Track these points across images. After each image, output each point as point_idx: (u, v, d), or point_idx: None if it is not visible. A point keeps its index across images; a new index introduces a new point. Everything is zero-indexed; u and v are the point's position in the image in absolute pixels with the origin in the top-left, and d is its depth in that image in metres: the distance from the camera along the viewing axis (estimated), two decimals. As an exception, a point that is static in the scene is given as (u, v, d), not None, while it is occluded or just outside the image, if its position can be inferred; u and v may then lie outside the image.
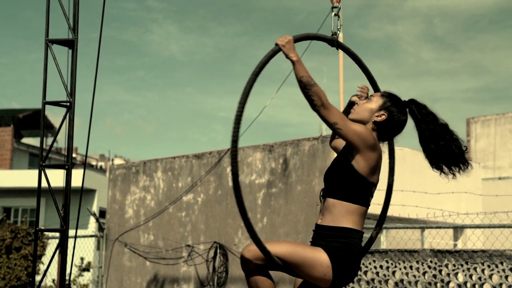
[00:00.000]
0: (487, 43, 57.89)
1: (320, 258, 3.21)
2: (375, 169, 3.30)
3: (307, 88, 3.15)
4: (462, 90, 70.08)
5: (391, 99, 3.44)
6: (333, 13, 3.65)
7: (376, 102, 3.43)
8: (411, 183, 9.71)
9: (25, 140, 29.34)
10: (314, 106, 3.17)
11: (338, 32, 3.59)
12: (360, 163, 3.25)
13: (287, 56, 3.24)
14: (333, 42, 3.54)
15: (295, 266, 3.22)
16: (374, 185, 3.36)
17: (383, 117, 3.39)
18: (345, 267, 3.23)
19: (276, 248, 3.21)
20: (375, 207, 3.77)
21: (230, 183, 9.69)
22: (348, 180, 3.28)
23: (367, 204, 3.35)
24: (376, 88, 3.74)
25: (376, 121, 3.40)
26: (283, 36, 3.27)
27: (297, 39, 3.31)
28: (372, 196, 3.39)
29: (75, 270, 11.59)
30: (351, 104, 3.60)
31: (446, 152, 3.38)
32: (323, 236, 3.30)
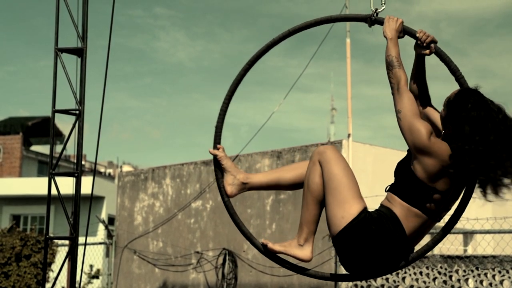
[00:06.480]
0: (494, 47, 57.74)
1: (355, 204, 3.04)
2: (436, 175, 3.00)
3: (389, 68, 3.16)
4: (470, 95, 69.66)
5: (455, 107, 3.05)
6: None
7: (443, 110, 3.14)
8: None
9: (34, 147, 29.42)
10: (391, 88, 3.15)
11: (382, 6, 3.47)
12: (416, 165, 3.02)
13: (384, 32, 3.29)
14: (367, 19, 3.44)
15: (330, 188, 3.07)
16: (436, 191, 3.04)
17: (447, 131, 3.09)
18: (359, 234, 3.00)
19: (332, 166, 3.09)
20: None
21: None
22: (406, 180, 3.07)
23: (425, 210, 3.05)
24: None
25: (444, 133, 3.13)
26: (395, 18, 3.34)
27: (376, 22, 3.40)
28: (434, 203, 3.07)
29: (84, 278, 11.60)
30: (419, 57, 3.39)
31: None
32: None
